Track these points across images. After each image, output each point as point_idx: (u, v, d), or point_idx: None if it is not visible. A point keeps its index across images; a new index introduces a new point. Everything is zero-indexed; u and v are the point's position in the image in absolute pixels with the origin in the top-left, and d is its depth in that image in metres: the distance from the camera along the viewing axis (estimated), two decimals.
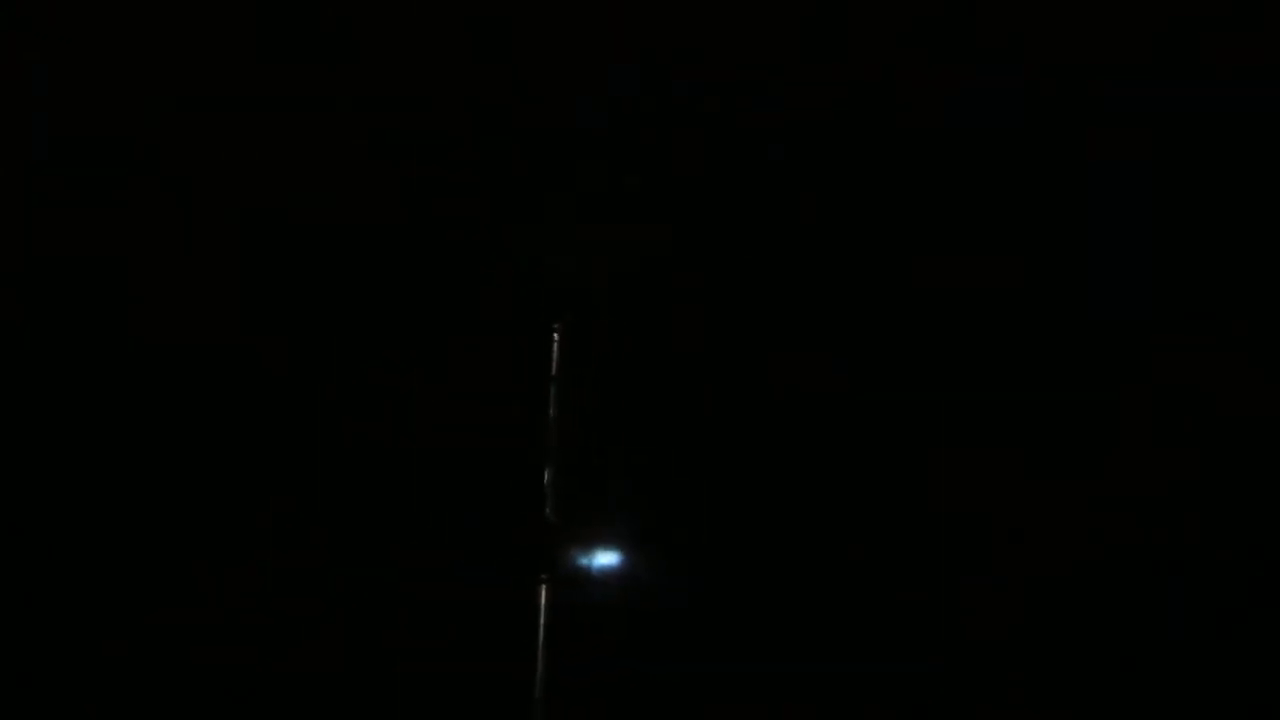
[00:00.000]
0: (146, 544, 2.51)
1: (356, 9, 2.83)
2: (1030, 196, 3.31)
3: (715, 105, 3.16)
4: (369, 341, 2.47)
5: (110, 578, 2.49)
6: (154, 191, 2.94)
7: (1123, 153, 3.33)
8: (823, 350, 2.72)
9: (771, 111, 3.16)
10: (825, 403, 2.65)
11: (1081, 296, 3.24)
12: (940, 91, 3.28)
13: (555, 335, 2.38)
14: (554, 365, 2.39)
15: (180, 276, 2.73)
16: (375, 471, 2.44)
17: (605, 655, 2.40)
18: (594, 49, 2.81)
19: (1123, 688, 2.70)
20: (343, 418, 2.46)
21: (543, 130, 2.68)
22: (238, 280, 2.79)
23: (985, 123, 3.30)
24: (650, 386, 2.49)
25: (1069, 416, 3.04)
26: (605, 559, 2.37)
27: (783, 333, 2.63)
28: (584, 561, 2.34)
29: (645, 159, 2.72)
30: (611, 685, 2.45)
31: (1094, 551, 2.75)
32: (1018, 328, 3.15)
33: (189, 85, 2.71)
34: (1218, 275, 3.23)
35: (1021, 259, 3.24)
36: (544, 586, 2.31)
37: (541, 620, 2.29)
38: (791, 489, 2.61)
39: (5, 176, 2.76)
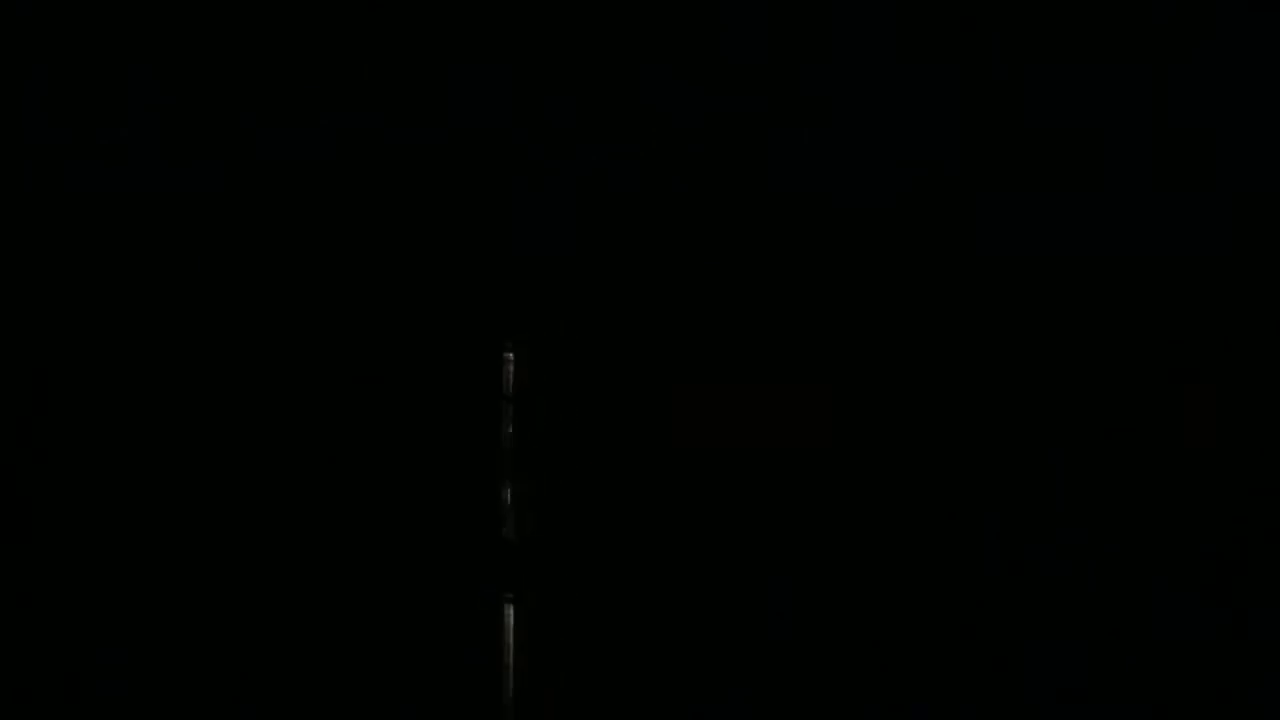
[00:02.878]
0: (146, 543, 2.51)
1: (356, 8, 2.82)
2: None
3: (715, 105, 3.15)
4: (356, 344, 2.49)
5: (108, 577, 2.49)
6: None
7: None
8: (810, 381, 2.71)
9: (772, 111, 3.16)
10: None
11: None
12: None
13: (510, 355, 2.41)
14: (510, 384, 2.42)
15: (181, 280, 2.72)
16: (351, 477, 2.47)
17: (578, 672, 2.43)
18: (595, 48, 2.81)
19: (1122, 687, 2.69)
20: (324, 421, 2.49)
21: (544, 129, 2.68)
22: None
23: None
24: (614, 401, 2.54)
25: (1072, 417, 3.03)
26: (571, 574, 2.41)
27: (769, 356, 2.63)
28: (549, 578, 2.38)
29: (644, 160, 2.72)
30: (585, 703, 2.48)
31: (1095, 551, 2.74)
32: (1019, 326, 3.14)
33: (185, 84, 2.69)
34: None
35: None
36: (510, 605, 2.34)
37: (510, 640, 2.32)
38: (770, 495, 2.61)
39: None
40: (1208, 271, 2.61)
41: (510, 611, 2.46)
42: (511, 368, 2.50)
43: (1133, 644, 2.64)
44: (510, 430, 2.49)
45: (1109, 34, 2.62)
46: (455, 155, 2.66)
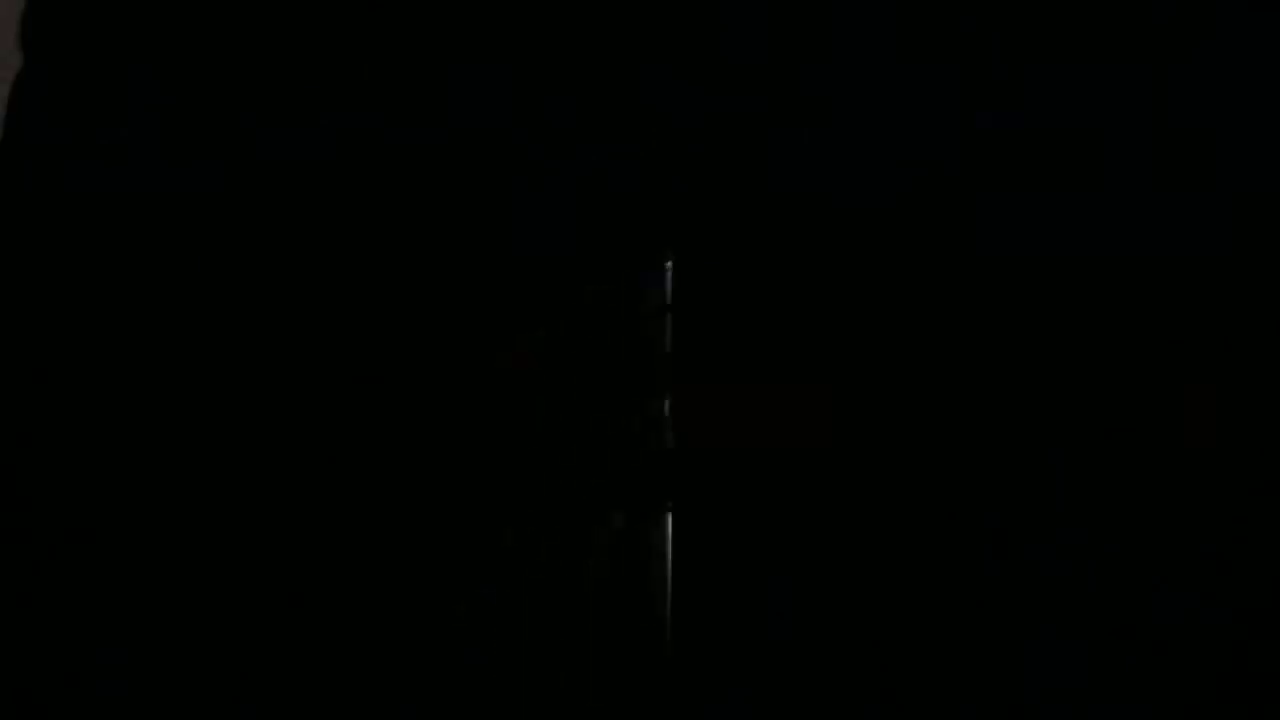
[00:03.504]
0: (149, 542, 2.51)
1: (356, 8, 2.83)
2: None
3: (715, 105, 3.15)
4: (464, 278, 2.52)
5: (109, 576, 2.49)
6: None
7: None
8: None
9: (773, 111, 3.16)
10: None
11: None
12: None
13: (669, 266, 2.45)
14: (668, 296, 2.48)
15: (192, 280, 2.73)
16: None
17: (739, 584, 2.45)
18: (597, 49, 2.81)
19: (1122, 687, 2.70)
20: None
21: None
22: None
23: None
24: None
25: (1072, 417, 3.02)
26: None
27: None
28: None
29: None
30: (745, 616, 2.50)
31: (1095, 551, 2.75)
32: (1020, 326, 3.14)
33: (185, 84, 2.71)
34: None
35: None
36: (669, 515, 2.36)
37: (669, 550, 2.33)
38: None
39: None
40: (1208, 271, 2.62)
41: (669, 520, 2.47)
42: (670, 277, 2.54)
43: (1133, 644, 2.64)
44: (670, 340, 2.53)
45: (1109, 34, 2.63)
46: (455, 155, 2.67)
